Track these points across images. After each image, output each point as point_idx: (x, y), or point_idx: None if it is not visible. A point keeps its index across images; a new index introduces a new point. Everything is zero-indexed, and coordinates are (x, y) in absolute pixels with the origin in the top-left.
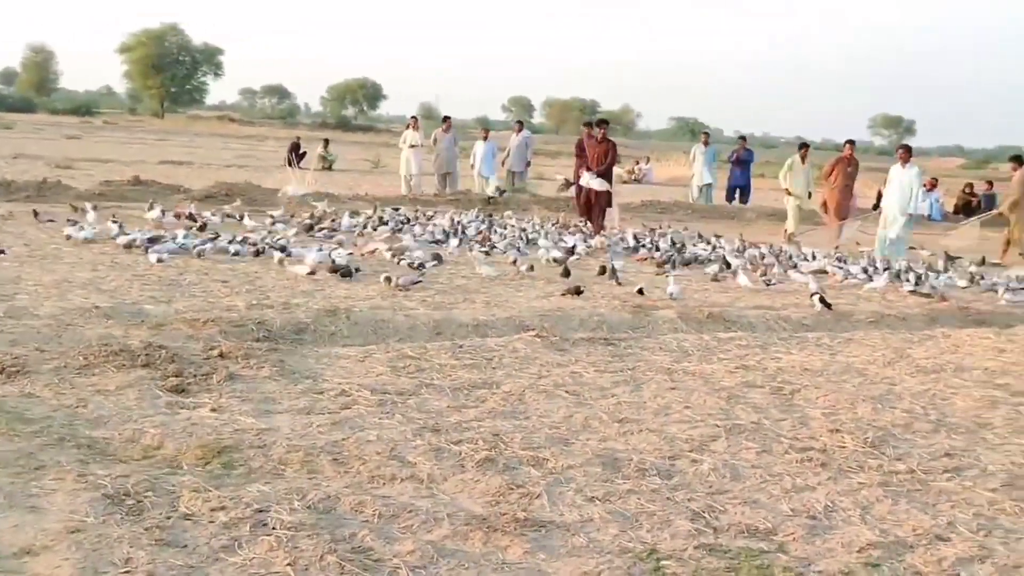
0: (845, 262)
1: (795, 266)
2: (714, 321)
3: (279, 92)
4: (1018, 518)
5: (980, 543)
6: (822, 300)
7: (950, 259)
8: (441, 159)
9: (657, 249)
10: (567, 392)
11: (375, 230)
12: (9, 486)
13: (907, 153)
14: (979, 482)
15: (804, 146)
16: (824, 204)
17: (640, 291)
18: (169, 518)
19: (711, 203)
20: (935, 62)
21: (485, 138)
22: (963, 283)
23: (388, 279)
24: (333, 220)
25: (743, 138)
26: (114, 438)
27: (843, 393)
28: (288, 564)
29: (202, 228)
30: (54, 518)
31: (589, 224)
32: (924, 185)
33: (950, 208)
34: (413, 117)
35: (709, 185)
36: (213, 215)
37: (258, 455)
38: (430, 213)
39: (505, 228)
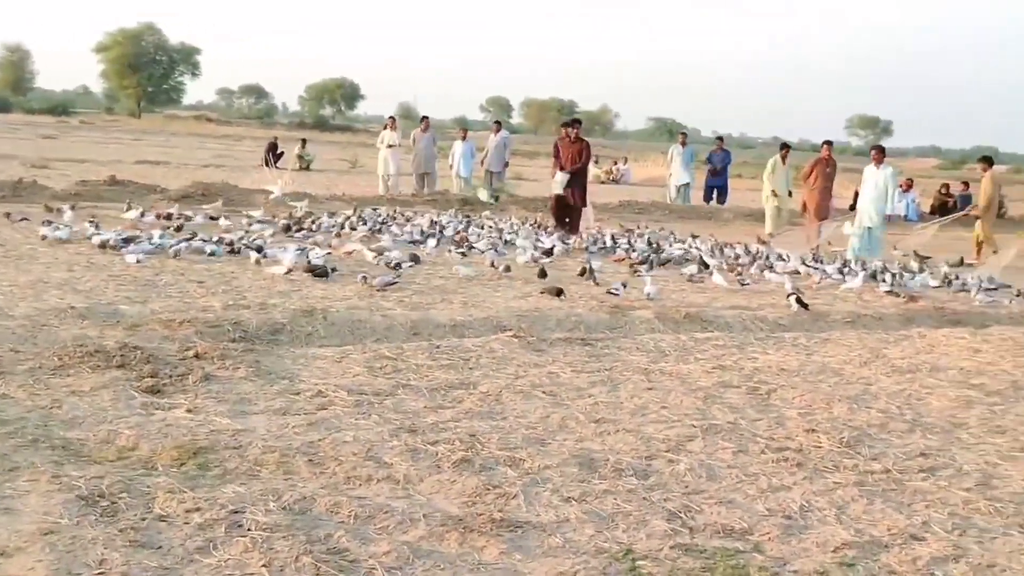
0: (820, 262)
1: (771, 267)
2: (691, 321)
3: (256, 92)
4: (992, 518)
5: (955, 542)
6: (799, 300)
7: (921, 259)
8: (420, 159)
9: (634, 250)
10: (544, 392)
11: (354, 230)
12: None
13: (880, 154)
14: (954, 482)
15: (785, 147)
16: (804, 205)
17: (609, 292)
18: (144, 519)
19: (689, 203)
20: (912, 63)
21: (463, 138)
22: (935, 283)
23: (365, 279)
24: (313, 221)
25: (720, 139)
26: (89, 439)
27: (819, 393)
28: (263, 565)
29: (179, 229)
30: (28, 519)
31: (559, 226)
32: (900, 186)
33: (926, 208)
34: (391, 117)
35: (687, 185)
36: (195, 215)
37: (234, 456)
38: (409, 213)
39: (482, 228)
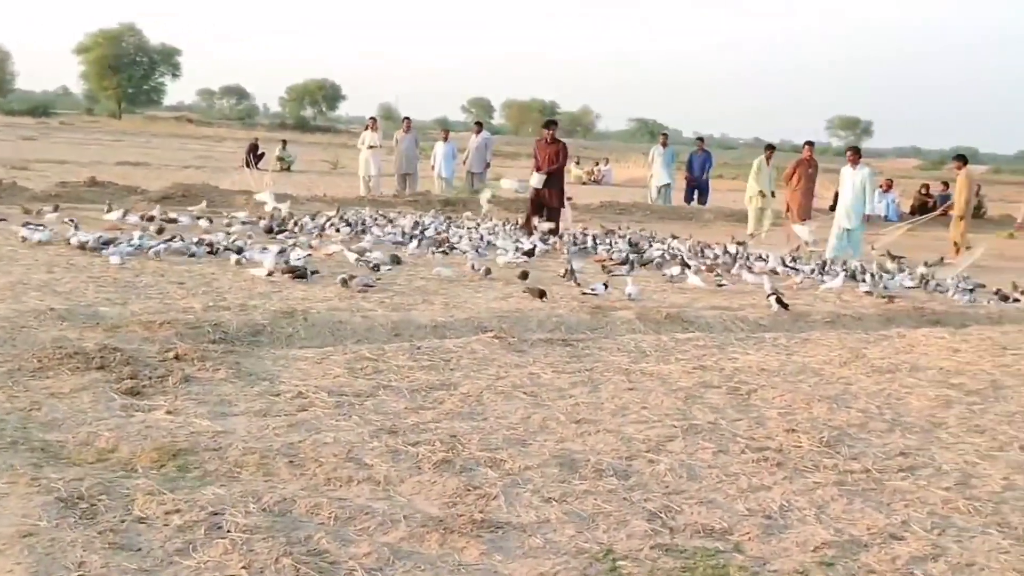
0: (797, 262)
1: (749, 267)
2: (672, 322)
3: (237, 93)
4: (971, 517)
5: (934, 542)
6: (779, 300)
7: (895, 258)
8: (402, 160)
9: (616, 250)
10: (525, 393)
11: (338, 231)
12: None
13: (856, 155)
14: (933, 481)
15: (770, 148)
16: (787, 206)
17: (585, 292)
18: (123, 521)
19: (670, 204)
20: (893, 64)
21: (445, 139)
22: (910, 283)
23: (344, 281)
24: (295, 223)
25: (701, 139)
26: (68, 441)
27: (799, 393)
28: (243, 567)
29: (160, 231)
30: (6, 522)
31: (534, 224)
32: (880, 186)
33: (906, 208)
34: (372, 118)
35: (668, 186)
36: (181, 217)
37: (213, 458)
38: (393, 214)
39: (463, 229)
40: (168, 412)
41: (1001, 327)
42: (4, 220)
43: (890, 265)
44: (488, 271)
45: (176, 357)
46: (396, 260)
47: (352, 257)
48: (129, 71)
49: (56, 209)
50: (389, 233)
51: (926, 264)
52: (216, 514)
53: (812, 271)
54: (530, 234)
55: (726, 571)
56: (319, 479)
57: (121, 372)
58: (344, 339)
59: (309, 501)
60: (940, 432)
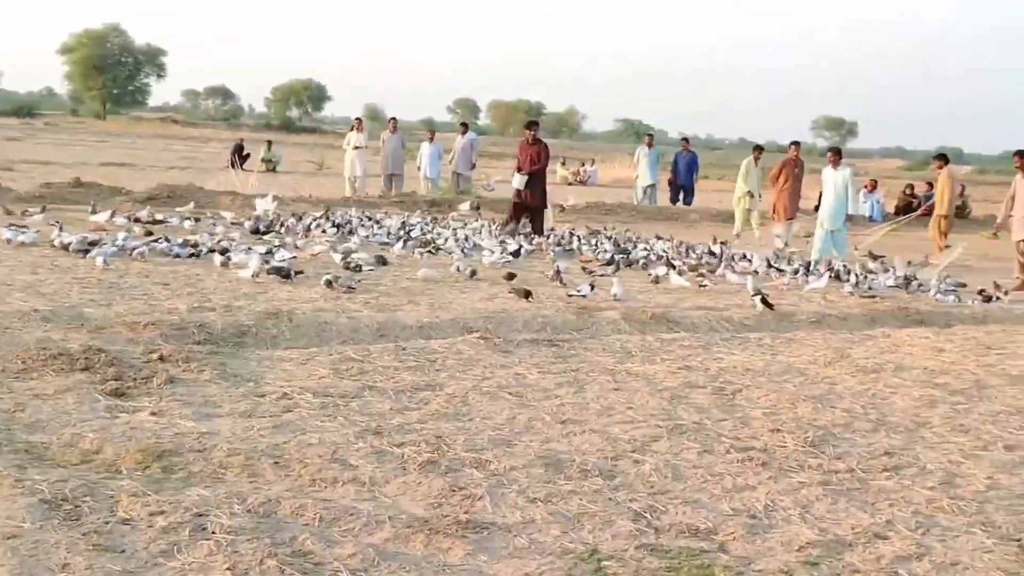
0: (780, 261)
1: (732, 268)
2: (657, 322)
3: (222, 93)
4: (955, 516)
5: (918, 541)
6: (764, 300)
7: (875, 258)
8: (388, 160)
9: (602, 250)
10: (510, 394)
11: (324, 232)
12: None
13: (837, 156)
14: (917, 480)
15: (758, 148)
16: (773, 207)
17: (571, 295)
18: (107, 523)
19: (655, 204)
20: (877, 65)
21: (431, 140)
22: (890, 283)
23: (330, 282)
24: (281, 224)
25: (686, 140)
26: (52, 443)
27: (784, 393)
28: (227, 568)
29: (148, 233)
30: None
31: (511, 224)
32: (865, 186)
33: (891, 209)
34: (357, 119)
35: (653, 186)
36: (170, 218)
37: (198, 459)
38: (380, 215)
39: (448, 230)
40: (153, 413)
41: (985, 327)
42: None
43: (872, 265)
44: (474, 272)
45: (161, 358)
46: (382, 261)
47: (337, 258)
48: (114, 72)
49: (43, 210)
50: (376, 234)
51: (909, 264)
52: (201, 515)
53: (796, 272)
54: (513, 235)
55: (711, 571)
56: (304, 480)
57: (105, 373)
58: (329, 340)
59: (294, 502)
60: (924, 432)
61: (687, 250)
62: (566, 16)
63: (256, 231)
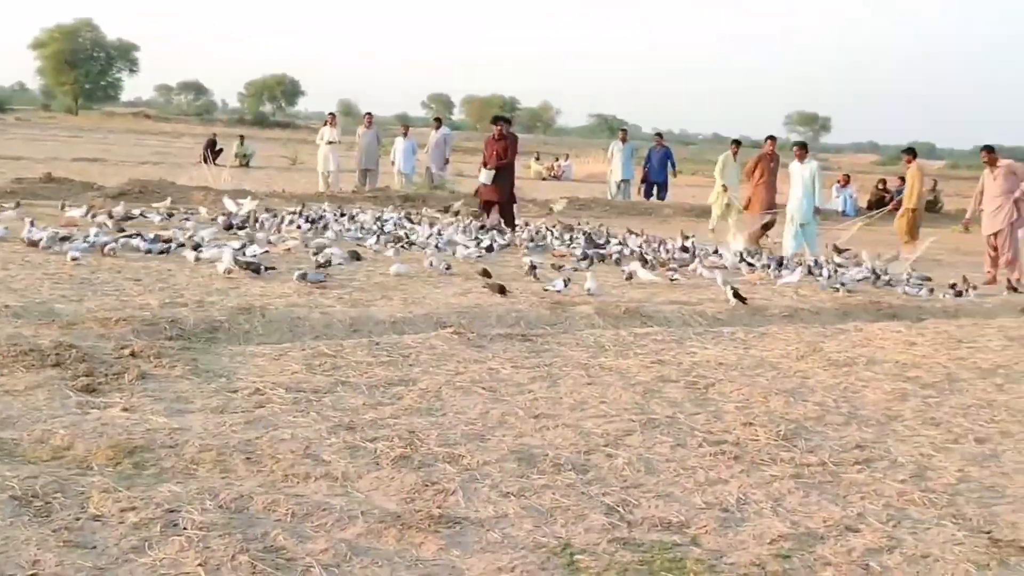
0: (752, 256)
1: (703, 264)
2: (630, 316)
3: (195, 88)
4: (926, 509)
5: (889, 533)
6: (736, 295)
7: (840, 251)
8: (363, 155)
9: (574, 244)
10: (484, 388)
11: (299, 228)
12: None
13: (803, 150)
14: (889, 473)
15: (736, 143)
16: (748, 201)
17: (546, 289)
18: (78, 519)
19: (629, 199)
20: (851, 60)
21: (405, 135)
22: (859, 277)
23: (302, 277)
24: (255, 220)
25: (659, 135)
26: (23, 439)
27: (756, 387)
28: (199, 564)
29: (121, 229)
30: None
31: (485, 217)
32: (838, 181)
33: (864, 204)
34: (331, 114)
35: (627, 181)
36: (148, 214)
37: (170, 455)
38: (355, 210)
39: (420, 224)
40: (124, 409)
41: (957, 321)
42: None
43: (837, 259)
44: (448, 267)
45: (132, 354)
46: (356, 256)
47: (311, 253)
48: (86, 67)
49: (18, 206)
50: (348, 229)
51: (879, 257)
52: (172, 511)
53: (767, 266)
54: (488, 230)
55: (683, 564)
56: (276, 475)
57: (77, 369)
58: (302, 335)
59: (266, 498)
60: (896, 425)
61: (659, 245)
62: (541, 13)
63: (230, 227)
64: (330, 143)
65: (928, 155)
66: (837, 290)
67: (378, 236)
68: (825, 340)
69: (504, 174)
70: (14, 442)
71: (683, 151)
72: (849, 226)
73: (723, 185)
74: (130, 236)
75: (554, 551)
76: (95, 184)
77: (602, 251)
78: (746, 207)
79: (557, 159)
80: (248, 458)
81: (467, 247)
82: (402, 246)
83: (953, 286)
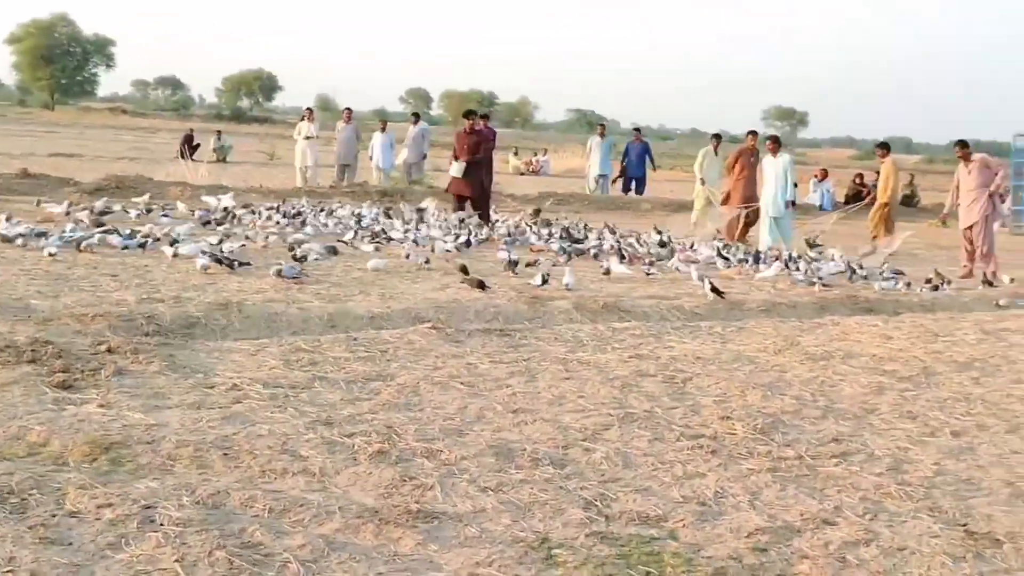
0: (727, 249)
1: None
2: (609, 311)
3: (172, 83)
4: (903, 502)
5: (866, 527)
6: (714, 289)
7: (812, 245)
8: (341, 150)
9: (552, 239)
10: (462, 383)
11: (278, 223)
12: None
13: (776, 144)
14: (865, 467)
15: (716, 137)
16: (727, 195)
17: (532, 285)
18: (54, 516)
19: (607, 194)
20: (827, 55)
21: (383, 130)
22: (832, 271)
23: (279, 272)
24: (232, 215)
25: (638, 130)
26: None
27: (734, 381)
28: (176, 560)
29: (99, 225)
30: None
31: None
32: (815, 175)
33: (841, 198)
34: (308, 109)
35: (605, 176)
36: (129, 209)
37: (147, 451)
38: (335, 205)
39: (400, 220)
40: (100, 405)
41: (933, 314)
42: None
43: (811, 253)
44: (427, 261)
45: (109, 350)
46: (333, 251)
47: (287, 248)
48: (62, 62)
49: None
50: (323, 223)
51: (856, 252)
52: (149, 507)
53: (743, 260)
54: (462, 222)
55: (660, 558)
56: (254, 471)
57: (53, 365)
58: (280, 331)
59: (243, 493)
60: (872, 418)
61: (638, 239)
62: (519, 7)
63: (207, 222)
64: (308, 138)
65: (905, 150)
66: (814, 284)
67: (355, 232)
68: (802, 334)
69: (476, 169)
70: None
71: (661, 146)
72: (825, 220)
73: (701, 180)
74: (107, 232)
75: (532, 545)
76: (71, 180)
77: (580, 246)
78: (725, 201)
79: (535, 154)
80: (225, 454)
81: (445, 242)
82: (379, 242)
83: (929, 280)
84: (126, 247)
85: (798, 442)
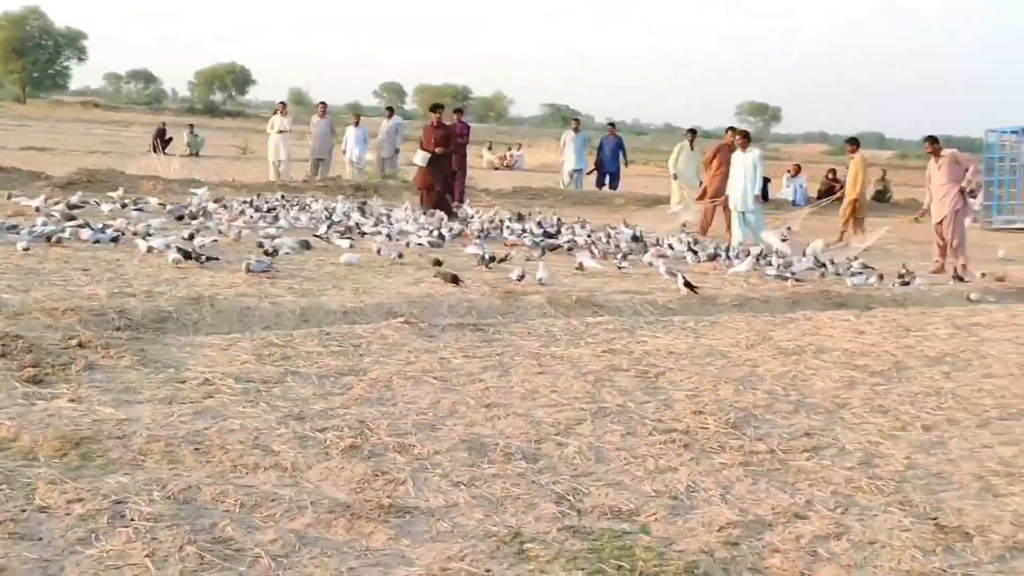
0: (697, 244)
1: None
2: (582, 306)
3: (145, 77)
4: (874, 495)
5: (837, 520)
6: (687, 283)
7: (781, 240)
8: (316, 144)
9: (526, 233)
10: (435, 378)
11: (251, 217)
12: None
13: (745, 139)
14: (837, 461)
15: (691, 132)
16: (704, 191)
17: (510, 277)
18: (24, 511)
19: (581, 188)
20: (801, 50)
21: (357, 124)
22: (805, 267)
23: (249, 266)
24: (203, 209)
25: (612, 125)
26: None
27: (706, 375)
28: (146, 555)
29: (70, 218)
30: None
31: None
32: (788, 171)
33: (814, 193)
34: (281, 103)
35: (579, 171)
36: (103, 204)
37: (117, 446)
38: (308, 200)
39: (370, 215)
40: (71, 400)
41: (905, 309)
42: None
43: (778, 247)
44: (401, 255)
45: (80, 344)
46: (306, 245)
47: (257, 243)
48: (34, 55)
49: None
50: (298, 219)
51: (828, 246)
52: (119, 503)
53: (716, 255)
54: (431, 215)
55: (632, 552)
56: (225, 466)
57: (23, 360)
58: (252, 325)
59: (214, 488)
60: (844, 413)
61: (608, 237)
62: (493, 1)
63: (180, 217)
64: (281, 132)
65: (878, 145)
66: (786, 279)
67: (328, 226)
68: (775, 329)
69: (439, 163)
70: None
71: (635, 141)
72: (796, 215)
73: (674, 175)
74: (79, 226)
75: (504, 540)
76: (43, 174)
77: (553, 241)
78: (700, 196)
79: (510, 149)
80: (196, 449)
81: (419, 237)
82: (349, 238)
83: (901, 276)
84: (97, 241)
85: (770, 436)
